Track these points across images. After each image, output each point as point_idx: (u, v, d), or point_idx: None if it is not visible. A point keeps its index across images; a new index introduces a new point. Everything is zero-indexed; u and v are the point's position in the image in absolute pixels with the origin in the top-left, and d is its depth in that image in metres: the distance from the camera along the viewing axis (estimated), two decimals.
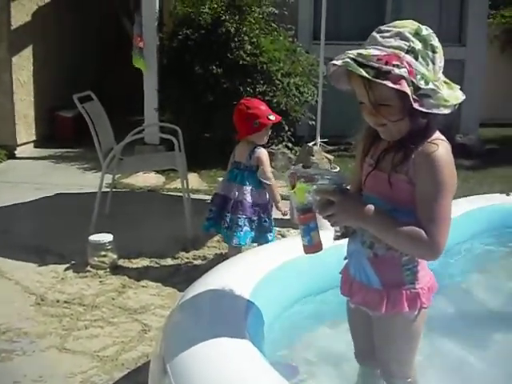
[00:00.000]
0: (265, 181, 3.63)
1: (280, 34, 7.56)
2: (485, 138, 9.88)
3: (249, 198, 3.82)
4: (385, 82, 1.71)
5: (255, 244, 3.88)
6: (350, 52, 1.77)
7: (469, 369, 2.50)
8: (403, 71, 1.72)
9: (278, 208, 3.87)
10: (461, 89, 1.86)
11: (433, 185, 1.79)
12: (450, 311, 3.03)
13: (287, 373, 1.82)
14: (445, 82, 1.85)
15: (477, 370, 2.50)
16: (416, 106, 1.75)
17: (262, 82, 6.98)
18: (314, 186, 1.86)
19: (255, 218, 3.81)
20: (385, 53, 1.76)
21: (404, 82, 1.72)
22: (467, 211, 3.79)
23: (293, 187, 1.90)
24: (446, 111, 1.79)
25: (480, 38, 9.40)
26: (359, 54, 1.75)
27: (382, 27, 1.85)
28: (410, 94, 1.72)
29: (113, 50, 10.04)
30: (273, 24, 7.56)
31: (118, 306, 3.57)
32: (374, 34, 1.84)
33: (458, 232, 3.58)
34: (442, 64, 1.85)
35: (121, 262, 4.23)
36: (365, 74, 1.72)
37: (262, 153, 3.82)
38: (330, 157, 5.15)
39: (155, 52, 7.49)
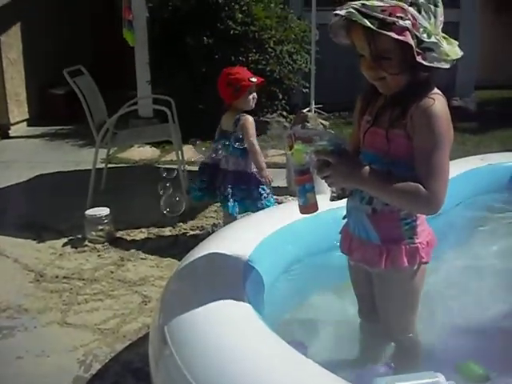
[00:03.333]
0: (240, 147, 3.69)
1: (271, 1, 7.45)
2: (481, 100, 9.84)
3: (236, 167, 3.80)
4: (389, 33, 1.70)
5: (249, 213, 3.85)
6: (353, 3, 1.76)
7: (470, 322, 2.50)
8: (407, 23, 1.72)
9: (262, 175, 3.80)
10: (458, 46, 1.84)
11: (430, 138, 1.79)
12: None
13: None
14: (444, 38, 1.83)
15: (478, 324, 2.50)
16: (419, 58, 1.74)
17: (254, 50, 6.90)
18: (312, 147, 1.84)
19: (244, 187, 3.78)
20: (389, 4, 1.75)
21: (408, 34, 1.72)
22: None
23: (290, 148, 1.88)
24: (447, 66, 1.79)
25: (473, 0, 9.27)
26: (363, 5, 1.74)
27: None
28: (414, 46, 1.72)
29: (104, 23, 9.91)
30: None
31: (117, 279, 3.56)
32: None
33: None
34: (443, 19, 1.84)
35: (119, 236, 4.22)
36: (369, 24, 1.70)
37: (247, 119, 3.77)
38: (326, 123, 5.09)
39: (145, 24, 7.38)
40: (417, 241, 1.96)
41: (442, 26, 1.83)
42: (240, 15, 6.91)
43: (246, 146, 3.77)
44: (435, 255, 2.06)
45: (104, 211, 4.17)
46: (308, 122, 4.85)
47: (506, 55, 12.21)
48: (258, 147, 3.80)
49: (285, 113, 7.25)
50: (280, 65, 7.03)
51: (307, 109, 5.14)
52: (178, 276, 2.22)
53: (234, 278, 2.09)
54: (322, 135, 1.85)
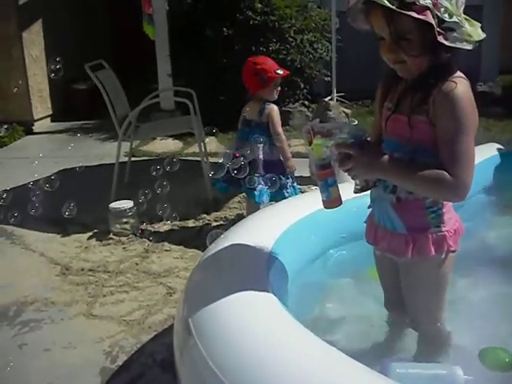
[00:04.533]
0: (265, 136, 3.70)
1: None
2: (506, 85, 9.68)
3: (261, 156, 3.79)
4: (409, 13, 1.67)
5: (273, 202, 3.84)
6: None
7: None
8: (428, 2, 1.68)
9: (287, 165, 3.83)
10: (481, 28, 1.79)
11: (453, 123, 1.74)
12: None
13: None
14: (466, 19, 1.78)
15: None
16: (440, 38, 1.70)
17: (274, 40, 6.89)
18: (332, 141, 1.81)
19: (269, 176, 3.77)
20: None
21: (429, 13, 1.68)
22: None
23: (310, 143, 1.86)
24: (469, 47, 1.74)
25: None
26: None
27: None
28: (435, 25, 1.68)
29: (123, 17, 9.94)
30: None
31: (142, 271, 3.58)
32: None
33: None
34: (464, 0, 1.79)
35: (143, 227, 4.24)
36: (389, 4, 1.67)
37: (273, 109, 3.80)
38: (348, 111, 5.07)
39: (165, 17, 7.39)
40: (444, 229, 1.91)
41: (463, 7, 1.78)
42: (259, 5, 6.90)
43: (271, 134, 3.77)
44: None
45: (128, 204, 4.19)
46: (330, 111, 4.85)
47: None
48: (284, 136, 3.83)
49: (307, 102, 7.22)
50: (301, 54, 7.01)
51: (329, 97, 5.10)
52: (201, 267, 2.22)
53: (257, 269, 2.08)
54: (342, 128, 1.83)
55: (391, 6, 1.67)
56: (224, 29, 6.77)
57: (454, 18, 1.72)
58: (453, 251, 1.95)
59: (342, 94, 5.91)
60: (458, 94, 1.73)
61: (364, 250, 2.22)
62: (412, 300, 2.07)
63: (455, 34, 1.72)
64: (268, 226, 2.46)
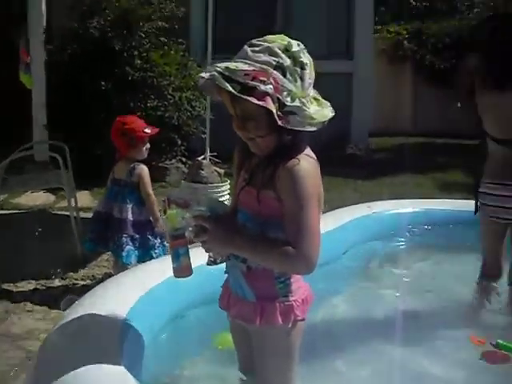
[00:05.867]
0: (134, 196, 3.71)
1: (171, 48, 7.55)
2: (376, 148, 10.27)
3: (130, 216, 3.78)
4: (249, 98, 1.72)
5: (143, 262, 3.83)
6: (218, 65, 1.77)
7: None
8: (269, 88, 1.73)
9: (156, 226, 3.80)
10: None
11: (295, 199, 1.80)
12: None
13: None
14: (314, 99, 1.86)
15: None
16: (280, 123, 1.76)
17: (152, 96, 6.96)
18: (187, 213, 1.87)
19: (138, 236, 3.78)
20: (253, 68, 1.76)
21: (269, 99, 1.73)
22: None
23: (165, 212, 1.91)
24: (312, 129, 1.81)
25: (366, 52, 9.75)
26: (226, 68, 1.75)
27: (254, 41, 1.85)
28: (274, 111, 1.73)
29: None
30: (163, 38, 7.54)
31: (0, 334, 3.43)
32: (246, 47, 1.84)
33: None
34: (312, 80, 1.87)
35: (5, 287, 4.07)
36: (230, 88, 1.72)
37: (143, 169, 3.81)
38: (220, 170, 5.19)
39: (43, 67, 7.28)
40: (291, 299, 1.97)
41: (311, 88, 1.86)
42: (138, 61, 6.96)
43: (140, 194, 3.78)
44: None
45: None
46: (203, 170, 4.95)
47: (399, 104, 12.87)
48: (153, 197, 3.82)
49: (184, 159, 7.30)
50: (179, 111, 7.11)
51: (202, 156, 5.21)
52: (53, 335, 2.17)
53: (109, 339, 2.06)
54: (200, 200, 1.90)
55: (233, 91, 1.72)
56: (102, 83, 6.75)
57: (296, 102, 1.78)
58: (301, 320, 2.00)
59: (215, 153, 6.05)
60: (300, 170, 1.79)
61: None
62: (261, 367, 2.09)
63: (297, 118, 1.78)
64: (125, 292, 2.46)
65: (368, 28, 9.86)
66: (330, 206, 6.32)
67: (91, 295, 2.43)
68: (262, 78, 1.74)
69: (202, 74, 1.79)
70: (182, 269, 1.96)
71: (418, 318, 3.16)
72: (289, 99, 1.77)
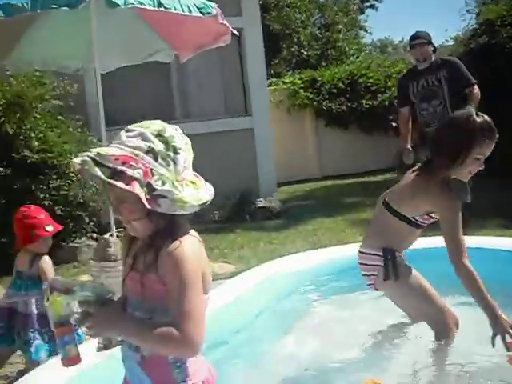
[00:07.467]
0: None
1: (69, 125, 7.50)
2: (286, 197, 10.48)
3: (35, 309, 3.65)
4: (116, 183, 1.73)
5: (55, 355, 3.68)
6: (91, 150, 1.78)
7: None
8: (136, 172, 1.75)
9: None
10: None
11: (177, 280, 1.79)
12: None
13: None
14: (192, 182, 1.88)
15: None
16: (150, 206, 1.76)
17: (54, 177, 6.86)
18: (71, 300, 1.84)
19: (46, 329, 3.63)
20: (124, 152, 1.78)
21: (136, 184, 1.74)
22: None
23: (47, 299, 1.87)
24: (184, 211, 1.81)
25: (262, 108, 10.02)
26: (98, 153, 1.76)
27: (130, 126, 1.87)
28: (140, 195, 1.74)
29: None
30: (60, 117, 7.49)
31: None
32: (122, 132, 1.86)
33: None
34: (188, 163, 1.89)
35: None
36: (100, 173, 1.73)
37: (44, 260, 3.69)
38: None
39: None
40: (190, 383, 1.92)
41: (187, 171, 1.87)
42: (36, 143, 6.87)
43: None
44: None
45: None
46: (110, 248, 4.88)
47: (304, 151, 13.28)
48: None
49: (94, 235, 7.19)
50: (83, 188, 7.02)
51: (109, 233, 5.14)
52: None
53: None
54: (83, 285, 1.87)
55: (101, 176, 1.74)
56: (0, 169, 6.61)
57: (167, 186, 1.78)
58: None
59: (122, 228, 5.99)
60: (181, 252, 1.80)
61: None
62: None
63: (168, 201, 1.79)
64: None
65: (261, 83, 10.17)
66: (245, 262, 6.42)
67: None
68: (131, 163, 1.76)
69: (75, 160, 1.78)
70: (70, 358, 1.89)
71: None
72: (159, 183, 1.78)
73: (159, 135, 1.84)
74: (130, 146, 1.81)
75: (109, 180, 1.74)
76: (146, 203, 1.76)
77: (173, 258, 1.80)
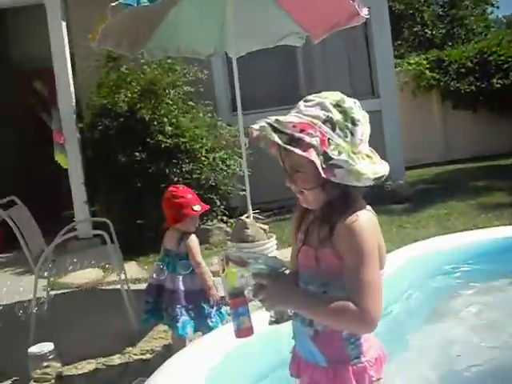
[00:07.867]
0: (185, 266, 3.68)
1: (199, 110, 7.67)
2: (412, 181, 10.18)
3: (182, 286, 3.72)
4: (294, 149, 1.73)
5: (199, 332, 3.76)
6: (270, 117, 1.79)
7: None
8: (314, 140, 1.73)
9: (209, 295, 3.71)
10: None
11: (354, 255, 1.76)
12: None
13: None
14: (367, 156, 1.84)
15: None
16: (325, 175, 1.74)
17: (187, 161, 7.04)
18: (245, 272, 1.84)
19: (192, 306, 3.71)
20: (302, 120, 1.78)
21: (312, 151, 1.73)
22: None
23: (223, 270, 1.88)
24: (359, 184, 1.78)
25: (390, 88, 9.82)
26: (276, 120, 1.77)
27: (309, 97, 1.87)
28: (317, 162, 1.72)
29: (33, 146, 9.88)
30: (190, 102, 7.66)
31: None
32: (301, 102, 1.87)
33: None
34: (365, 137, 1.85)
35: (66, 370, 4.05)
36: (277, 139, 1.74)
37: (191, 239, 3.76)
38: (265, 227, 5.15)
39: (77, 145, 7.47)
40: (364, 359, 1.89)
41: (363, 144, 1.83)
42: (169, 128, 7.07)
43: (191, 264, 3.73)
44: None
45: (48, 346, 3.98)
46: (248, 229, 4.92)
47: (428, 134, 12.83)
48: (204, 266, 3.74)
49: (225, 218, 7.32)
50: (214, 172, 7.16)
51: (245, 215, 5.19)
52: None
53: None
54: (258, 258, 1.86)
55: (278, 141, 1.74)
56: (136, 153, 6.87)
57: (343, 156, 1.75)
58: (377, 379, 1.92)
59: (258, 210, 6.04)
60: (358, 226, 1.77)
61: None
62: None
63: (344, 171, 1.75)
64: (192, 369, 2.41)
65: (389, 64, 9.93)
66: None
67: (157, 375, 2.38)
68: (309, 131, 1.76)
69: (253, 126, 1.81)
70: (243, 329, 1.90)
71: None
72: (336, 153, 1.76)
73: (338, 105, 1.82)
74: (308, 115, 1.80)
75: (286, 145, 1.74)
76: (321, 171, 1.73)
77: (350, 232, 1.77)
